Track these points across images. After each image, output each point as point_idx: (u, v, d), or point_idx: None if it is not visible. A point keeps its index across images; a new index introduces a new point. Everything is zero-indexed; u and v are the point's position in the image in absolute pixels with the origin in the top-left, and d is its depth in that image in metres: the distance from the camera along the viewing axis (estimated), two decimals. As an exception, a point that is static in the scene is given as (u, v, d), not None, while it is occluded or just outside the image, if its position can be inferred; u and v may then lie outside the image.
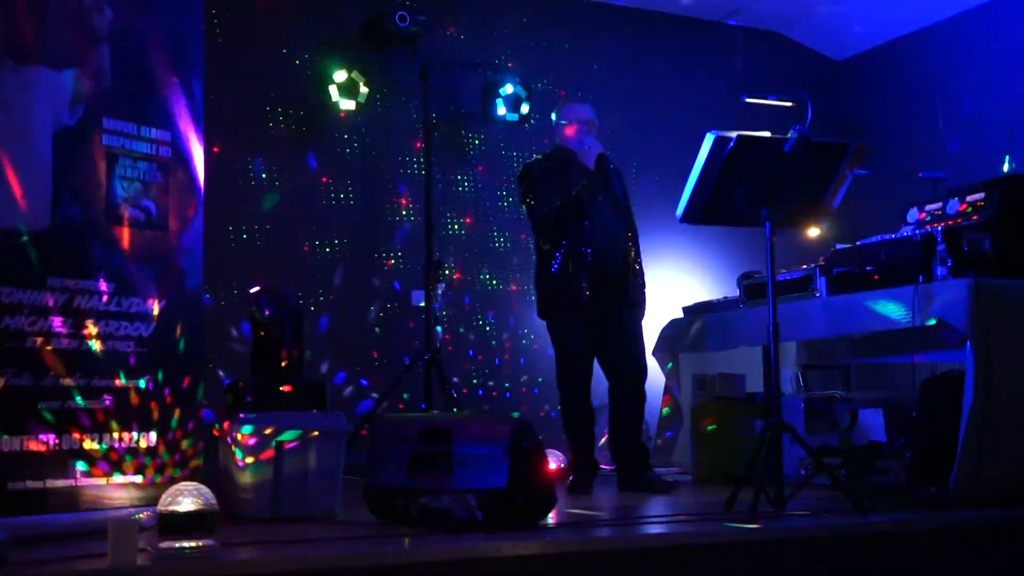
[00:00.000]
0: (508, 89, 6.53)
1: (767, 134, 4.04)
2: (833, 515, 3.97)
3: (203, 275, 4.15)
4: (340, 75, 6.14)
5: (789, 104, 3.98)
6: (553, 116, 5.21)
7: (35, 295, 3.59)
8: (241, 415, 4.03)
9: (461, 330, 6.67)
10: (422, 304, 6.21)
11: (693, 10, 7.38)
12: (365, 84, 6.18)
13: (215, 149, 5.75)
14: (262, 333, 4.15)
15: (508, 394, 6.71)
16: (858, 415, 5.95)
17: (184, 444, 3.95)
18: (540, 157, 5.13)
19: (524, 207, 5.08)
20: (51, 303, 3.63)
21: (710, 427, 5.88)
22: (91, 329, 3.73)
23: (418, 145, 6.49)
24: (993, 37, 6.92)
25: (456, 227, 6.71)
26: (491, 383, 6.69)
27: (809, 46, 7.82)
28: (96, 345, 3.74)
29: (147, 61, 4.01)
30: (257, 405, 4.08)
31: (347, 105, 6.17)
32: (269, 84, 6.26)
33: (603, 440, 6.25)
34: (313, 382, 4.22)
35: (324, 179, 6.38)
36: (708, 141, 3.94)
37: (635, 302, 5.04)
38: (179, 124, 4.09)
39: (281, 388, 4.12)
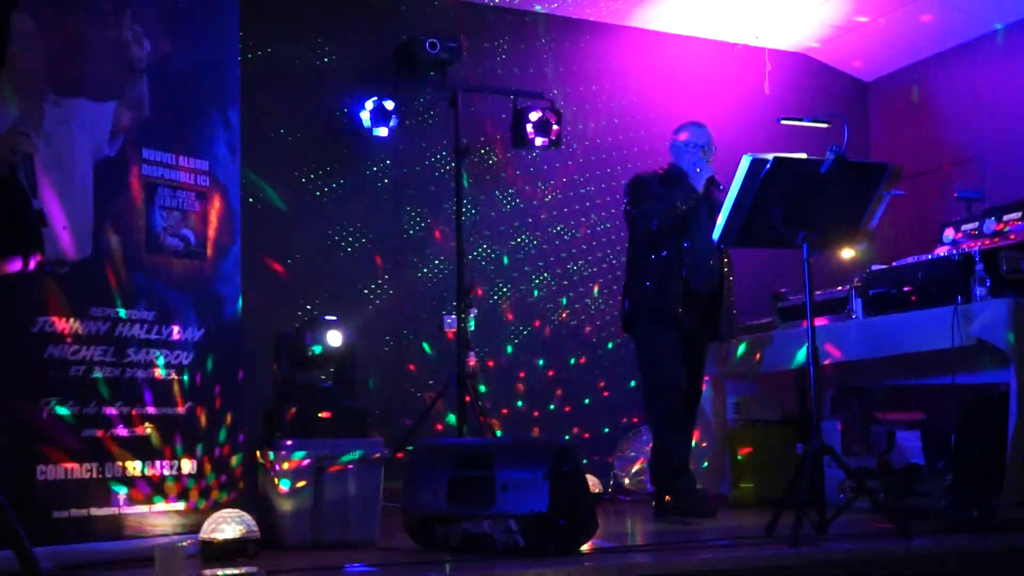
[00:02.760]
0: (537, 114, 6.55)
1: (803, 155, 4.04)
2: (876, 539, 3.94)
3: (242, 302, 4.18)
4: (371, 102, 6.18)
5: (825, 125, 3.99)
6: (672, 136, 5.19)
7: (78, 324, 3.63)
8: (281, 441, 4.04)
9: (498, 355, 6.67)
10: (454, 328, 6.21)
11: (721, 33, 7.40)
12: (396, 111, 6.22)
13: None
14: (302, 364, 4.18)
15: (543, 418, 6.70)
16: (895, 437, 5.92)
17: (225, 471, 3.97)
18: (652, 172, 5.12)
19: (627, 216, 5.08)
20: (94, 332, 3.67)
21: (746, 450, 5.87)
22: (133, 357, 3.77)
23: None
24: (1019, 57, 6.90)
25: (488, 253, 6.73)
26: (525, 408, 6.68)
27: (837, 68, 7.82)
28: (138, 373, 3.77)
29: (185, 91, 4.07)
30: (297, 431, 4.09)
31: (379, 131, 6.22)
32: (301, 112, 6.32)
33: (638, 465, 6.24)
34: (353, 408, 4.23)
35: (356, 206, 6.41)
36: (745, 163, 3.95)
37: (723, 335, 5.08)
38: (216, 153, 4.14)
39: (320, 414, 4.13)
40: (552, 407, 6.76)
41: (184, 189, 4.01)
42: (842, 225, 4.23)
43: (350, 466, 4.07)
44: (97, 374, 3.66)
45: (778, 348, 5.58)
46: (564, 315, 6.90)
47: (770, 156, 3.93)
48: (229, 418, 4.02)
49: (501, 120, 6.66)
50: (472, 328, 6.22)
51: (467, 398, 5.92)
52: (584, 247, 7.02)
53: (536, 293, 6.87)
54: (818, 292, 5.51)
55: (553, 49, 7.07)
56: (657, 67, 7.31)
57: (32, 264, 2.70)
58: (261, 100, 5.80)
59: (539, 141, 6.59)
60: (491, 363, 6.62)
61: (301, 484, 4.01)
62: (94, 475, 3.60)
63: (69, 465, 3.54)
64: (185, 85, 4.06)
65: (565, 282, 6.93)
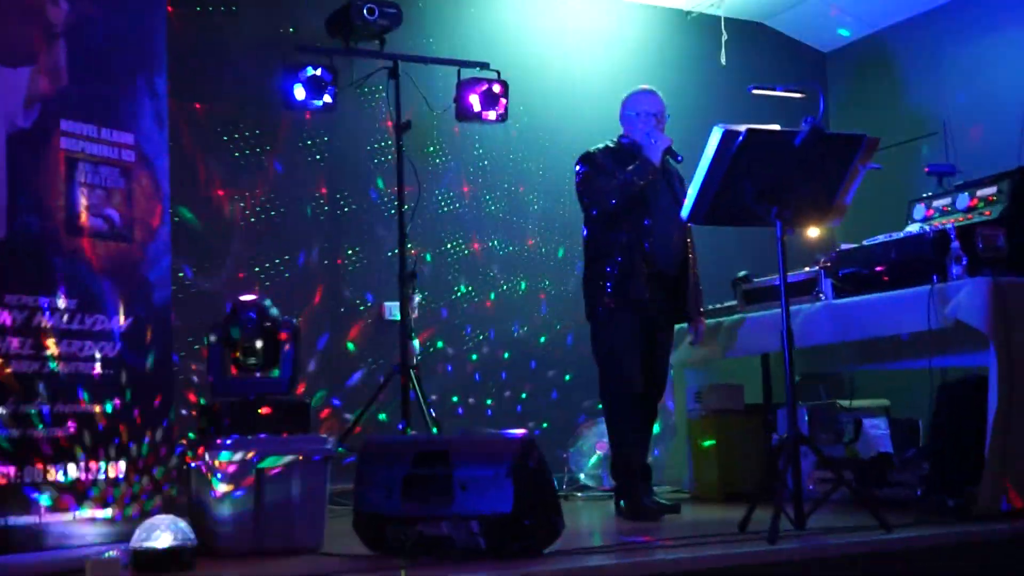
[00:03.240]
0: (483, 87, 6.42)
1: (777, 127, 3.98)
2: (856, 533, 3.90)
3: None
4: (305, 73, 6.00)
5: (799, 95, 3.92)
6: (622, 105, 5.02)
7: (-9, 314, 3.43)
8: (218, 440, 3.88)
9: (440, 345, 6.55)
10: (396, 317, 6.08)
11: (675, 0, 7.34)
12: (333, 83, 6.04)
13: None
14: (238, 354, 4.01)
15: (489, 411, 6.60)
16: (862, 425, 5.92)
17: (156, 473, 3.81)
18: (603, 146, 4.94)
19: (580, 196, 4.91)
20: (8, 322, 3.48)
21: (708, 442, 5.82)
22: (52, 349, 3.58)
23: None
24: (985, 25, 6.93)
25: (432, 233, 6.60)
26: (471, 400, 6.57)
27: (795, 37, 7.81)
28: (58, 366, 3.59)
29: (107, 58, 3.87)
30: (234, 428, 3.93)
31: (314, 105, 6.04)
32: (228, 83, 6.12)
33: (593, 458, 6.17)
34: (295, 402, 4.07)
35: (287, 185, 6.23)
36: (716, 135, 3.87)
37: (690, 315, 4.97)
38: (143, 125, 3.95)
39: (260, 410, 3.98)
40: (501, 399, 6.66)
41: (107, 164, 3.82)
42: (816, 200, 4.18)
43: (294, 465, 3.91)
44: (13, 368, 3.47)
45: (742, 333, 5.53)
46: (515, 300, 6.79)
47: (742, 127, 3.86)
48: (160, 414, 3.85)
49: (444, 93, 6.51)
50: (416, 315, 6.09)
51: (412, 391, 5.80)
52: (536, 227, 6.91)
53: (487, 276, 6.75)
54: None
55: (499, 16, 6.94)
56: (609, 36, 7.23)
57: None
58: (183, 70, 5.57)
59: (486, 115, 6.45)
60: (430, 352, 6.50)
61: (240, 486, 3.85)
62: (11, 480, 3.41)
63: (-16, 470, 3.35)
64: (107, 50, 3.86)
65: (516, 265, 6.82)
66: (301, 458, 3.92)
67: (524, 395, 6.71)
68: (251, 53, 6.19)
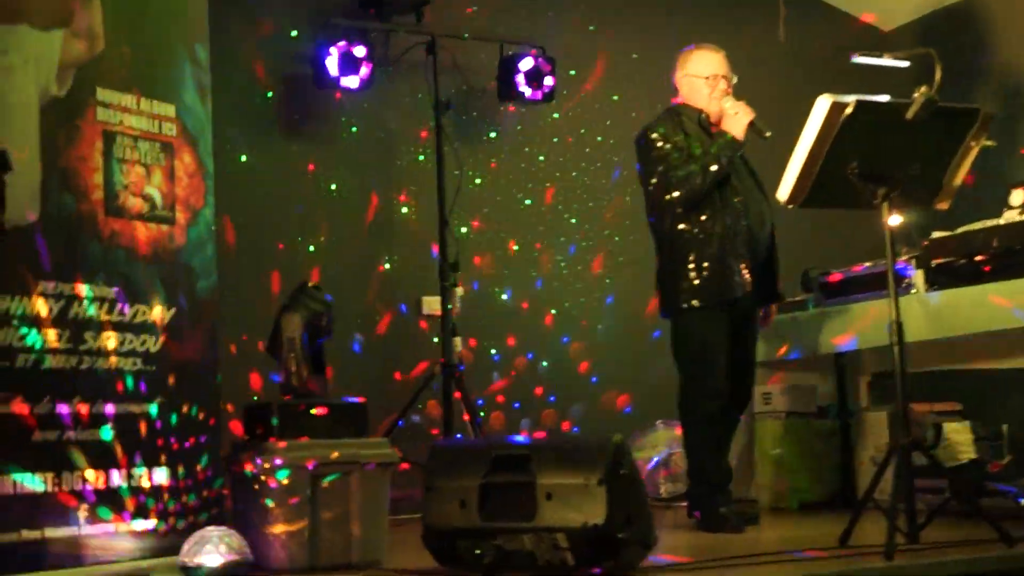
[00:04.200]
0: (528, 63, 6.22)
1: (887, 98, 3.77)
2: (973, 546, 3.70)
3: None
4: (338, 48, 5.79)
5: (906, 64, 3.71)
6: (678, 64, 4.75)
7: (24, 303, 3.22)
8: (268, 444, 3.66)
9: (479, 341, 6.34)
10: (434, 312, 5.88)
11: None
12: (368, 59, 5.84)
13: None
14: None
15: (531, 415, 6.39)
16: (942, 430, 5.72)
17: (203, 481, 3.60)
18: (665, 118, 4.66)
19: (647, 181, 4.60)
20: (43, 312, 3.27)
21: (777, 448, 5.62)
22: (90, 343, 3.37)
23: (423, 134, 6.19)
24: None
25: (472, 223, 6.39)
26: (516, 403, 6.36)
27: (854, 14, 7.60)
28: (97, 363, 3.38)
29: (145, 20, 3.67)
30: (286, 432, 3.71)
31: (347, 83, 5.83)
32: (257, 58, 5.90)
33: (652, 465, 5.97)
34: (351, 403, 3.86)
35: (311, 167, 6.01)
36: (821, 107, 3.67)
37: (780, 295, 4.78)
38: (184, 96, 3.75)
39: (313, 411, 3.76)
40: (545, 402, 6.45)
41: (147, 138, 3.62)
42: (925, 181, 3.98)
43: (353, 473, 3.70)
44: (49, 364, 3.26)
45: (817, 330, 5.35)
46: (561, 293, 6.59)
47: (851, 97, 3.65)
48: (208, 417, 3.64)
49: (486, 70, 6.30)
50: (458, 310, 5.89)
51: (456, 393, 5.60)
52: (585, 216, 6.69)
53: (530, 271, 6.54)
54: (866, 264, 5.30)
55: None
56: (660, 9, 7.02)
57: (-10, 222, 2.28)
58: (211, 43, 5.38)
59: (530, 94, 6.25)
60: (472, 349, 6.28)
61: (293, 495, 3.64)
62: (49, 488, 3.20)
63: (18, 477, 3.13)
64: (145, 13, 3.66)
65: (561, 257, 6.61)
66: (360, 465, 3.71)
67: (574, 395, 6.49)
68: (281, 26, 5.97)
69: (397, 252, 6.21)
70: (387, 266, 6.17)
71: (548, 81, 6.26)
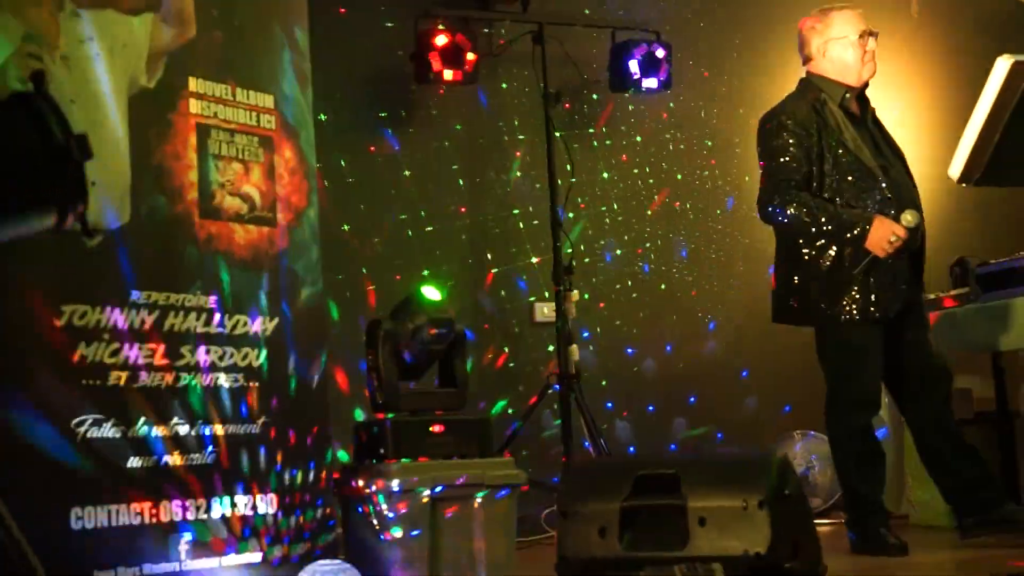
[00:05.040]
0: (642, 50, 5.85)
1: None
2: None
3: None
4: (441, 39, 5.47)
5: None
6: (812, 31, 4.22)
7: (116, 314, 2.93)
8: (381, 466, 3.33)
9: (594, 349, 5.98)
10: (549, 319, 5.54)
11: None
12: (472, 50, 5.51)
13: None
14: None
15: (647, 425, 6.00)
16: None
17: (313, 508, 3.28)
18: (796, 101, 4.12)
19: (773, 174, 4.06)
20: (137, 325, 2.98)
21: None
22: (188, 358, 3.07)
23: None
24: None
25: (590, 222, 6.03)
26: (637, 416, 5.97)
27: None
28: (196, 380, 3.08)
29: (238, 2, 3.37)
30: (402, 452, 3.38)
31: (450, 75, 5.51)
32: (356, 50, 5.59)
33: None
34: (474, 420, 3.53)
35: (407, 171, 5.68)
36: (1002, 68, 3.25)
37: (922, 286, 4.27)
38: (283, 86, 3.44)
39: (432, 428, 3.42)
40: (667, 415, 6.06)
41: (245, 132, 3.32)
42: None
43: (477, 496, 3.36)
44: (144, 382, 2.97)
45: (972, 326, 4.87)
46: (684, 297, 6.20)
47: (1034, 58, 3.22)
48: (317, 436, 3.32)
49: (598, 59, 5.94)
50: (574, 316, 5.52)
51: (573, 404, 5.24)
52: (712, 213, 6.30)
53: (648, 271, 6.16)
54: (1002, 260, 4.83)
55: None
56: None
57: (70, 220, 1.96)
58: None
59: (646, 83, 5.87)
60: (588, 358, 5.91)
61: (410, 523, 3.30)
62: (146, 520, 2.91)
63: (114, 507, 2.84)
64: (240, -6, 3.38)
65: (681, 259, 6.22)
66: (486, 488, 3.36)
67: (694, 405, 6.09)
68: (380, 17, 5.68)
69: (507, 256, 5.88)
70: (495, 270, 5.84)
71: (664, 68, 5.88)
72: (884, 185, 3.96)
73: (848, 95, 4.14)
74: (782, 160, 4.06)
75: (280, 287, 3.33)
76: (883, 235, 3.84)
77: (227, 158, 3.27)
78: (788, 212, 3.95)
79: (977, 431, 5.20)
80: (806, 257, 4.01)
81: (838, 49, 4.16)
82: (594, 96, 6.08)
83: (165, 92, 3.16)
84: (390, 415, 3.47)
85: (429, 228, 5.72)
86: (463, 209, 5.80)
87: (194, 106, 3.21)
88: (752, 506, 2.93)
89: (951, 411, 4.24)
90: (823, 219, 3.90)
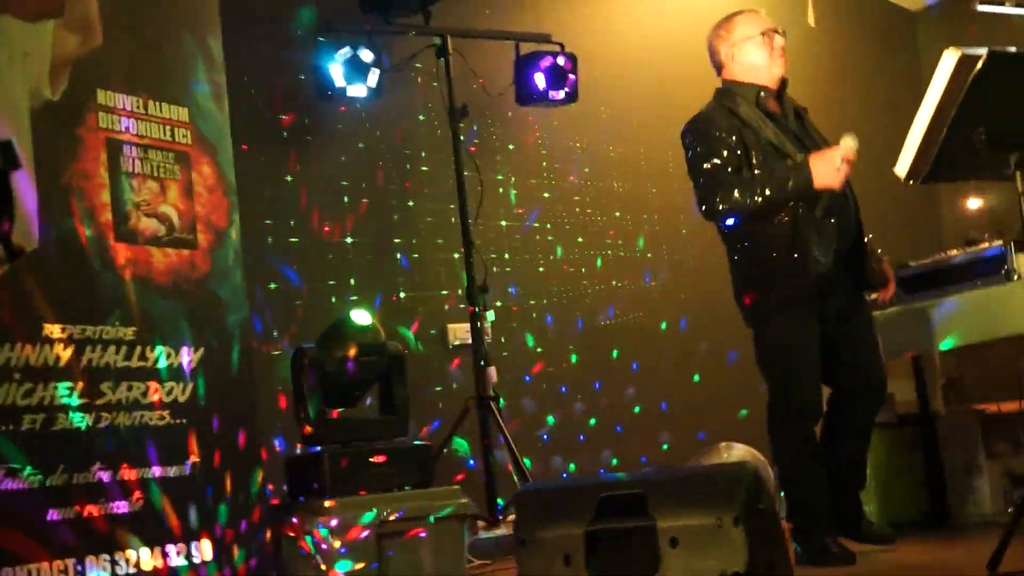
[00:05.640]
0: (547, 61, 5.71)
1: (1013, 49, 3.28)
2: None
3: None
4: (344, 53, 5.25)
5: (1027, 13, 3.22)
6: (719, 39, 4.16)
7: (27, 352, 2.65)
8: (320, 502, 3.10)
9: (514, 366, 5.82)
10: (462, 341, 5.37)
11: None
12: (376, 64, 5.30)
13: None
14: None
15: (576, 440, 5.87)
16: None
17: (252, 550, 3.02)
18: (714, 109, 4.05)
19: (696, 190, 3.99)
20: (52, 362, 2.69)
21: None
22: (108, 395, 2.80)
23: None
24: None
25: (495, 241, 5.86)
26: (556, 435, 5.81)
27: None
28: (117, 419, 2.81)
29: (148, 10, 3.12)
30: (340, 488, 3.15)
31: (355, 91, 5.28)
32: (259, 65, 5.32)
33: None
34: (415, 447, 3.31)
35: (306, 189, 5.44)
36: (948, 61, 3.17)
37: (871, 283, 4.18)
38: (198, 98, 3.20)
39: (372, 458, 3.20)
40: (589, 432, 5.93)
41: (159, 147, 3.06)
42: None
43: (424, 529, 3.15)
44: (63, 423, 2.69)
45: (898, 329, 4.83)
46: (598, 310, 6.09)
47: (981, 49, 3.15)
48: (248, 474, 3.07)
49: (502, 72, 5.79)
50: (488, 338, 5.35)
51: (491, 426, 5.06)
52: (621, 225, 6.23)
53: (560, 288, 6.02)
54: (953, 253, 4.81)
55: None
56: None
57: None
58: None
59: (553, 95, 5.74)
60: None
61: (355, 560, 3.08)
62: (71, 574, 2.62)
63: (36, 564, 2.55)
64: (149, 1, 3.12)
65: (593, 270, 6.11)
66: (432, 519, 3.16)
67: (613, 420, 5.97)
68: (281, 30, 5.43)
69: (416, 276, 5.67)
70: (402, 294, 5.63)
71: (570, 79, 5.75)
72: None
73: (763, 94, 4.10)
74: (714, 162, 3.98)
75: (203, 314, 3.07)
76: (826, 167, 3.81)
77: (141, 176, 3.01)
78: (733, 199, 3.87)
79: (901, 435, 5.19)
80: (764, 242, 3.94)
81: (746, 51, 4.14)
82: (509, 113, 5.94)
83: (71, 105, 2.90)
84: (323, 447, 3.24)
85: (338, 242, 5.48)
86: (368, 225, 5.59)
87: (103, 120, 2.95)
88: (727, 523, 2.79)
89: (872, 428, 4.19)
90: (767, 189, 3.84)
